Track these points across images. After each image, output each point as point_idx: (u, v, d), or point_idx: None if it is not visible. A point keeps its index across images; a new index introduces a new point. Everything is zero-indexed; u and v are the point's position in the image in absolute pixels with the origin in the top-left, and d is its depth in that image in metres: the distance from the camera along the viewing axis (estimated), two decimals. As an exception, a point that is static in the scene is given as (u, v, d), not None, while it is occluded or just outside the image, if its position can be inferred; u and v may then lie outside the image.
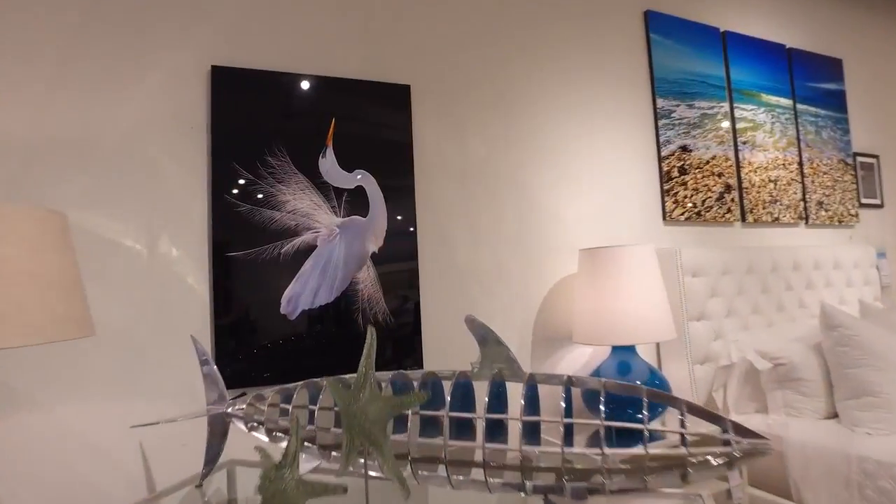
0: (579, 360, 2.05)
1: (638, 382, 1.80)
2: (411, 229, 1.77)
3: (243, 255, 1.54)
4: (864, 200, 3.00)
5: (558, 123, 2.10)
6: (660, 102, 2.31)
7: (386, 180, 1.73)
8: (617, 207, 2.19)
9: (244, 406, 1.18)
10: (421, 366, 1.74)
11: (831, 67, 2.96)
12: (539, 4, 2.12)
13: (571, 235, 2.07)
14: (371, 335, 0.83)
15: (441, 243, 1.84)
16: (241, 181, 1.55)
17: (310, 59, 1.70)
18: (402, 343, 1.72)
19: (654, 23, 2.34)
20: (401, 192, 1.77)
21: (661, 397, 1.06)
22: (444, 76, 1.90)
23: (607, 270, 1.82)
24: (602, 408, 1.02)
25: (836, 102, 2.94)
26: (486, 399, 1.00)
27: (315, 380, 1.15)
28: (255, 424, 1.14)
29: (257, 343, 1.54)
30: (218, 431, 1.19)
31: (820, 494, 1.74)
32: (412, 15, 1.87)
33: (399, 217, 1.75)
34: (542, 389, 1.15)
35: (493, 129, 1.97)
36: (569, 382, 1.05)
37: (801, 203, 2.70)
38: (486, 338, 1.08)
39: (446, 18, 1.93)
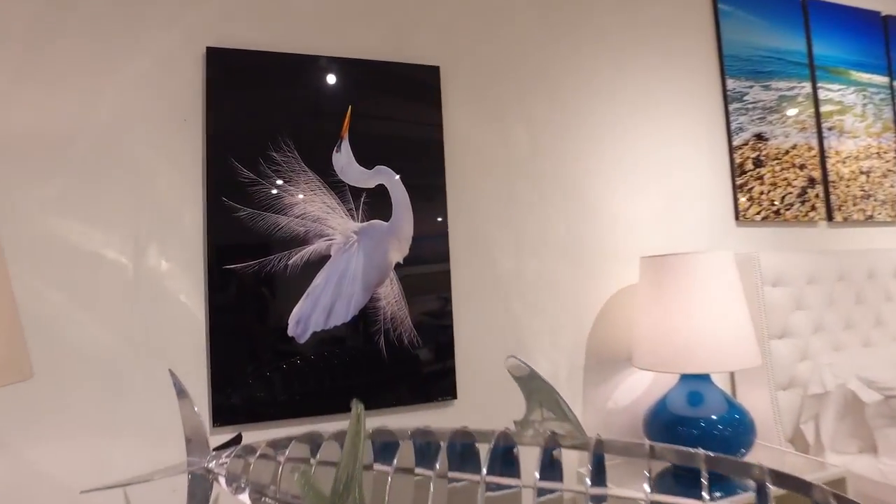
0: (638, 386, 1.74)
1: (713, 416, 1.50)
2: (442, 234, 1.51)
3: (244, 268, 1.31)
4: (970, 194, 2.57)
5: (612, 109, 1.80)
6: (730, 83, 1.97)
7: (412, 178, 1.48)
8: (681, 207, 1.87)
9: (229, 460, 0.94)
10: (454, 395, 1.47)
11: (930, 40, 2.55)
12: (588, -28, 1.82)
13: (629, 240, 1.77)
14: (357, 413, 0.56)
15: (477, 250, 1.57)
16: (242, 181, 1.32)
17: (321, 38, 1.46)
18: (432, 371, 1.46)
19: (723, -10, 2.01)
20: (430, 191, 1.51)
21: (729, 465, 0.76)
22: (480, 55, 1.64)
23: (676, 282, 1.51)
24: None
25: (937, 80, 2.53)
26: (537, 473, 0.72)
27: (316, 431, 0.91)
28: (242, 486, 0.90)
29: (260, 372, 1.31)
30: (199, 494, 0.95)
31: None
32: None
33: (427, 221, 1.49)
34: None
35: (537, 116, 1.69)
36: (651, 454, 0.76)
37: (899, 198, 2.31)
38: (532, 389, 0.80)
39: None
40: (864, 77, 2.29)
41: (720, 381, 1.82)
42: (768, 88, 2.05)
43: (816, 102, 2.15)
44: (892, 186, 2.29)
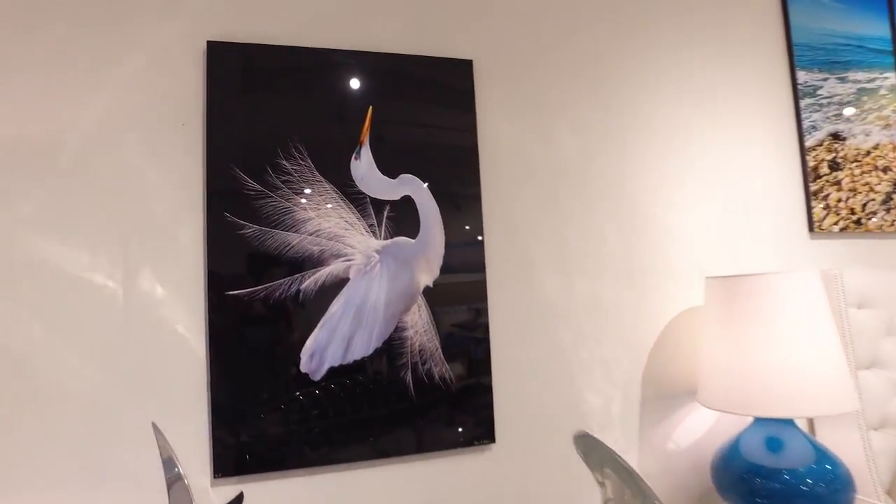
0: (703, 424, 1.51)
1: (800, 469, 1.26)
2: (478, 252, 1.31)
3: (250, 294, 1.13)
4: None
5: (668, 107, 1.58)
6: (801, 76, 1.73)
7: (442, 188, 1.28)
8: (747, 218, 1.63)
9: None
10: (492, 439, 1.27)
11: None
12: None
13: (690, 257, 1.54)
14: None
15: (518, 270, 1.36)
16: (247, 193, 1.15)
17: (337, 30, 1.28)
18: (467, 411, 1.26)
19: (792, -29, 1.77)
20: (464, 203, 1.31)
21: None
22: (519, 49, 1.44)
23: (750, 308, 1.28)
24: None
25: None
26: None
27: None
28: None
29: (269, 415, 1.13)
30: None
31: None
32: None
33: (460, 237, 1.30)
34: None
35: (584, 117, 1.48)
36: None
37: None
38: (606, 473, 0.60)
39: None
40: (955, 66, 2.01)
41: (799, 421, 1.58)
42: (845, 80, 1.80)
43: (899, 96, 1.89)
44: None
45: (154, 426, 0.84)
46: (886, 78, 1.87)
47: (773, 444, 1.32)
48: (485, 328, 1.29)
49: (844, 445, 1.52)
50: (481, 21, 1.41)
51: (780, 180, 1.69)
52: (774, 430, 1.33)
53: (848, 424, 1.53)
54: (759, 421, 1.34)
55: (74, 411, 1.04)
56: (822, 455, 1.29)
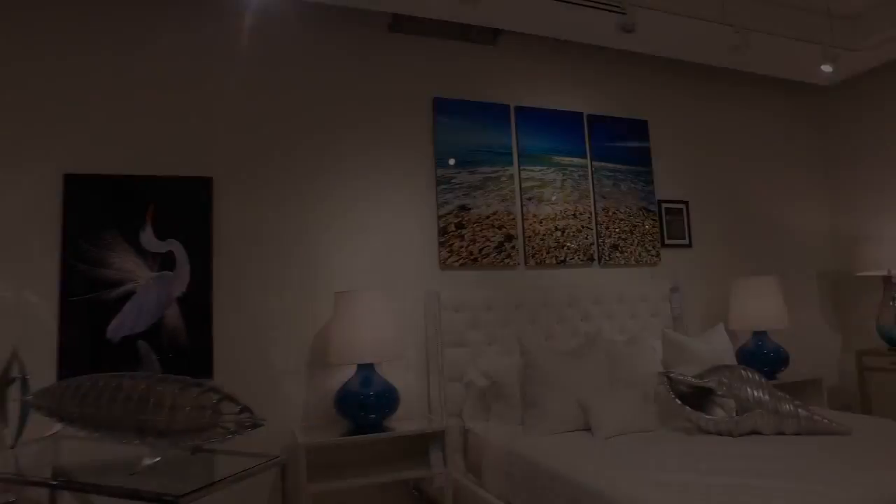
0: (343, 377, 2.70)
1: (371, 393, 2.45)
2: (207, 279, 2.52)
3: (87, 297, 2.36)
4: (670, 241, 3.43)
5: (350, 191, 2.79)
6: (440, 171, 2.93)
7: (191, 245, 2.50)
8: (397, 257, 2.83)
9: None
10: (210, 374, 2.47)
11: (635, 128, 3.43)
12: (337, 102, 2.83)
13: (354, 280, 2.74)
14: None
15: (236, 289, 2.57)
16: (87, 249, 2.38)
17: (137, 162, 2.51)
18: (196, 358, 2.47)
19: (441, 107, 2.98)
20: (202, 252, 2.53)
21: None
22: (244, 166, 2.65)
23: (353, 307, 2.48)
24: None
25: (639, 158, 3.41)
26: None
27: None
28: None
29: (88, 359, 2.34)
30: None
31: (491, 476, 2.30)
32: (219, 117, 2.64)
33: (199, 270, 2.51)
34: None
35: (285, 198, 2.69)
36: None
37: (593, 247, 3.20)
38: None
39: (250, 121, 2.68)
40: (566, 160, 3.20)
41: (417, 375, 2.75)
42: (475, 173, 3.00)
43: (519, 181, 3.08)
44: (586, 238, 3.18)
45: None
46: (506, 170, 3.07)
47: (365, 381, 2.51)
48: (209, 319, 2.50)
49: (434, 389, 2.70)
50: (220, 152, 2.63)
51: (423, 235, 2.89)
52: (365, 373, 2.52)
53: (436, 376, 2.71)
54: (359, 368, 2.53)
55: (-8, 353, 2.26)
56: (386, 385, 2.48)
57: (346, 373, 2.67)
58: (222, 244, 2.57)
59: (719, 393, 2.13)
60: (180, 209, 2.53)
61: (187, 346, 2.45)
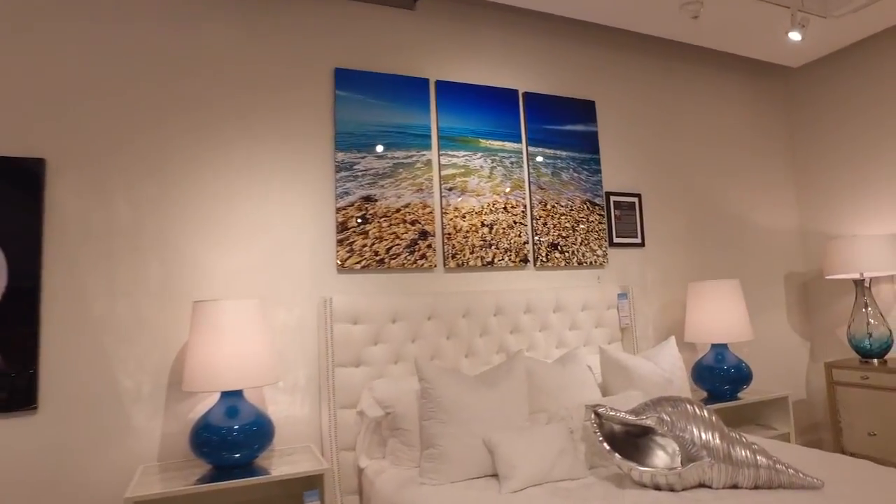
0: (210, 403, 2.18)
1: (236, 427, 1.93)
2: (34, 283, 1.97)
3: None
4: (620, 240, 2.98)
5: (228, 179, 2.26)
6: (340, 156, 2.43)
7: (10, 240, 1.95)
8: (284, 259, 2.32)
9: None
10: (34, 403, 1.93)
11: (580, 109, 2.97)
12: (213, 70, 2.30)
13: (228, 287, 2.22)
14: None
15: (75, 294, 2.01)
16: None
17: (-74, 140, 1.95)
18: (16, 383, 1.92)
19: (344, 79, 2.47)
20: (26, 249, 1.97)
21: None
22: (89, 147, 2.11)
23: (214, 320, 1.96)
24: None
25: (584, 144, 2.95)
26: None
27: None
28: None
29: None
30: None
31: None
32: (57, 87, 2.09)
33: (22, 270, 1.96)
34: None
35: (145, 187, 2.15)
36: None
37: (527, 246, 2.73)
38: None
39: (98, 93, 2.14)
40: (496, 144, 2.73)
41: (307, 397, 2.25)
42: (382, 158, 2.50)
43: (438, 168, 2.60)
44: (518, 236, 2.71)
45: None
46: (423, 155, 2.58)
47: (231, 412, 1.99)
48: (34, 332, 1.96)
49: (323, 417, 2.20)
50: (56, 127, 2.08)
51: (317, 232, 2.39)
52: (232, 402, 2.00)
53: (326, 404, 2.21)
54: (223, 396, 2.01)
55: None
56: (259, 417, 1.97)
57: (214, 398, 2.16)
58: (58, 240, 2.02)
59: (660, 432, 1.67)
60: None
61: (2, 369, 1.90)
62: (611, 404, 1.98)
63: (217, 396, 2.09)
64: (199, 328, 1.98)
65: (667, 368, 2.31)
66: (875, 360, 2.98)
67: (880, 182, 3.25)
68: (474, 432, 1.83)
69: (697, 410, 1.68)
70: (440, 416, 1.86)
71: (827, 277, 3.28)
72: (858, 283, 3.08)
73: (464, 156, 2.66)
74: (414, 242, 2.51)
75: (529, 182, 2.79)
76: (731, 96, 3.59)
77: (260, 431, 1.97)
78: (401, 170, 2.54)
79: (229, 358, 1.93)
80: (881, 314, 3.00)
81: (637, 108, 3.23)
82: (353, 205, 2.43)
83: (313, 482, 2.08)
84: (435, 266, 2.55)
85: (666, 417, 1.67)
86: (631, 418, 1.69)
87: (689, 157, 3.37)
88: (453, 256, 2.57)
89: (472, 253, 2.61)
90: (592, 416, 1.71)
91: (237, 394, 2.01)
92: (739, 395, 2.87)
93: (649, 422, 1.68)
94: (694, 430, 1.63)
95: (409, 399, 2.03)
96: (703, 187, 3.39)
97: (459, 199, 2.62)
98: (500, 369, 2.03)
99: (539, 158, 2.83)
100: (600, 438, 1.65)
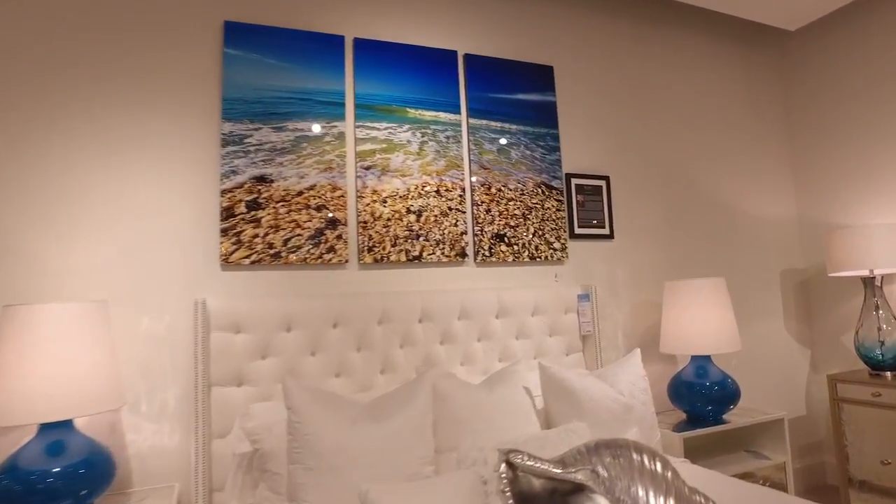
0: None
1: (56, 469, 1.48)
2: None
3: None
4: (583, 230, 2.51)
5: (82, 152, 1.81)
6: (227, 127, 1.97)
7: None
8: (152, 254, 1.86)
9: None
10: None
11: (535, 75, 2.50)
12: (65, 23, 1.85)
13: (77, 290, 1.77)
14: None
15: None
16: None
17: None
18: None
19: (235, 35, 2.01)
20: None
21: None
22: None
23: (30, 332, 1.51)
24: None
25: (539, 116, 2.48)
26: None
27: None
28: None
29: None
30: None
31: None
32: None
33: None
34: None
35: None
36: None
37: (465, 237, 2.26)
38: None
39: None
40: (428, 115, 2.26)
41: (180, 425, 1.80)
42: (282, 129, 2.04)
43: (354, 143, 2.14)
44: (455, 226, 2.25)
45: None
46: (334, 126, 2.12)
47: (53, 448, 1.54)
48: None
49: (190, 449, 1.74)
50: None
51: (196, 219, 1.93)
52: (59, 436, 1.55)
53: (191, 433, 1.75)
54: (42, 429, 1.56)
55: None
56: (95, 454, 1.52)
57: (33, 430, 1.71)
58: None
59: (595, 491, 1.21)
60: None
61: None
62: (542, 443, 1.50)
63: (36, 429, 1.64)
64: (8, 341, 1.53)
65: (625, 391, 1.83)
66: (888, 374, 2.50)
67: (893, 163, 2.77)
68: (351, 483, 1.37)
69: (647, 461, 1.22)
70: (307, 461, 1.40)
71: (830, 275, 2.80)
72: (868, 282, 2.60)
73: (386, 128, 2.20)
74: (320, 232, 2.05)
75: (470, 160, 2.32)
76: (717, 64, 3.10)
77: (90, 473, 1.52)
78: (305, 144, 2.07)
79: (49, 380, 1.48)
80: (895, 318, 2.52)
81: (605, 75, 2.75)
82: (242, 186, 1.97)
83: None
84: (346, 261, 2.09)
85: (603, 472, 1.20)
86: (555, 471, 1.22)
87: (668, 135, 2.89)
88: (370, 250, 2.11)
89: (394, 245, 2.15)
90: (503, 466, 1.25)
91: (64, 425, 1.56)
92: (725, 416, 2.40)
93: (579, 477, 1.21)
94: (640, 491, 1.16)
95: (282, 431, 1.57)
96: (683, 169, 2.91)
97: (379, 181, 2.16)
98: (399, 394, 1.57)
99: (482, 132, 2.36)
100: (510, 501, 1.19)
